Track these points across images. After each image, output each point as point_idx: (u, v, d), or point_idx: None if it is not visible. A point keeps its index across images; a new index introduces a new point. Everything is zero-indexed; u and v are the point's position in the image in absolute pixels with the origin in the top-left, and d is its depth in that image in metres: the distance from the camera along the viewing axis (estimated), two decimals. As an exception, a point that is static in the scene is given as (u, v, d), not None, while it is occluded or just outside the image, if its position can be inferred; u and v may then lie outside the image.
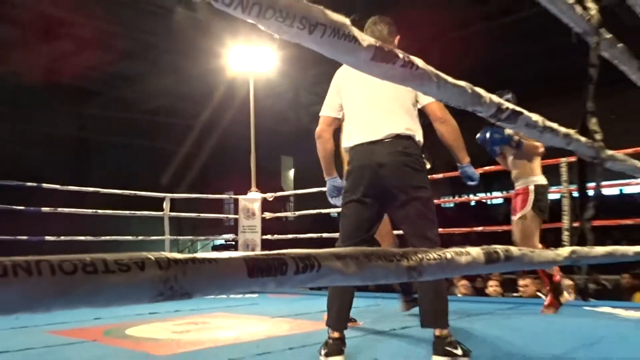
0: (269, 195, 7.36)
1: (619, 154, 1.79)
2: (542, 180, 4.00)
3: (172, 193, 7.69)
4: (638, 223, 5.40)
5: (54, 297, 0.49)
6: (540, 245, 3.87)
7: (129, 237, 6.88)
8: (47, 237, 5.76)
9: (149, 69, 17.66)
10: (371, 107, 2.54)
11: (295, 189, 19.87)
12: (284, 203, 19.39)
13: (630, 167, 1.87)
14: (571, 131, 1.40)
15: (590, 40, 1.51)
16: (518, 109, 1.20)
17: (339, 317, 2.47)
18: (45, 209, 5.84)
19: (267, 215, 7.22)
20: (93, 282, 0.51)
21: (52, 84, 16.60)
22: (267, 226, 7.37)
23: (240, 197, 7.17)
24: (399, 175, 2.45)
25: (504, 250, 1.07)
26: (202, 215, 7.92)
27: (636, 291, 6.85)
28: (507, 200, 4.70)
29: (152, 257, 0.57)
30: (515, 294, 5.80)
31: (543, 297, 4.54)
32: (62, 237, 5.84)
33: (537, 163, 4.02)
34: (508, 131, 3.86)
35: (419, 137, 2.54)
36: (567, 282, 5.71)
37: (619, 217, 5.78)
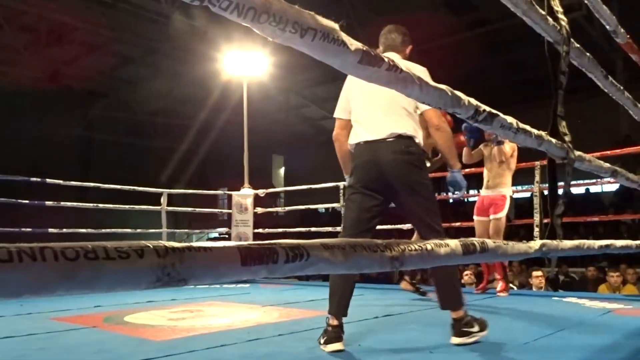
0: (261, 192, 7.36)
1: (587, 155, 1.81)
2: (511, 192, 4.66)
3: (171, 189, 7.66)
4: (602, 220, 5.47)
5: (57, 282, 0.48)
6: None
7: (128, 230, 6.85)
8: (50, 230, 5.71)
9: (149, 72, 17.58)
10: (375, 109, 2.54)
11: (285, 186, 19.88)
12: (275, 199, 19.34)
13: (596, 167, 1.89)
14: (543, 133, 1.41)
15: (561, 49, 1.52)
16: (494, 111, 1.21)
17: (340, 304, 2.45)
18: (49, 203, 5.78)
19: (259, 210, 7.20)
20: (94, 268, 0.51)
21: (59, 87, 16.47)
22: (259, 220, 7.36)
23: (233, 193, 7.15)
24: (401, 172, 2.46)
25: (480, 243, 1.07)
26: (197, 209, 7.88)
27: (601, 283, 6.94)
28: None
29: (151, 245, 0.56)
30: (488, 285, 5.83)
31: (514, 287, 4.75)
32: (65, 230, 5.79)
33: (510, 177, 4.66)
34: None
35: (419, 138, 2.55)
36: (537, 273, 5.77)
37: (585, 214, 5.85)
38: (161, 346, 2.42)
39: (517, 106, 11.18)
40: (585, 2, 1.93)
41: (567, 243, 1.49)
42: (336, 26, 0.79)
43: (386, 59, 0.89)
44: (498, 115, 1.22)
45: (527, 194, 5.22)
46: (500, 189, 4.59)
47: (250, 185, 7.35)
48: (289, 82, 17.89)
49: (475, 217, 4.78)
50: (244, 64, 8.17)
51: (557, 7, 1.55)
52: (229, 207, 7.24)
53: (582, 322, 2.65)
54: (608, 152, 5.11)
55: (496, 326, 2.52)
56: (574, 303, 3.97)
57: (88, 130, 20.02)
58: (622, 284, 6.53)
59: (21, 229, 5.43)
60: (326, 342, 2.34)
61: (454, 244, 1.00)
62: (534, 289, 5.66)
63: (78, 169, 18.15)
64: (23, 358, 2.25)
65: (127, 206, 6.61)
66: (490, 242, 1.11)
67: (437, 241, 0.96)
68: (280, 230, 7.80)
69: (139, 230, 6.70)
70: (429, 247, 0.92)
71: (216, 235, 17.81)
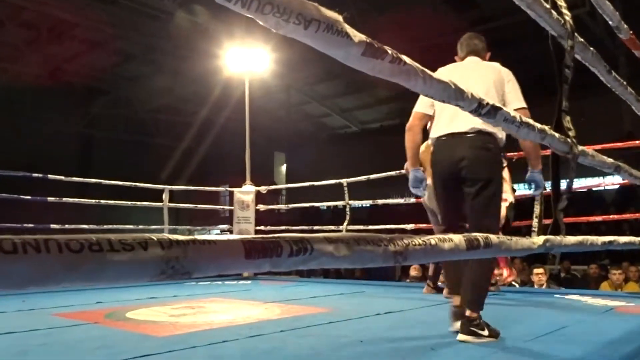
0: (263, 189, 7.35)
1: (590, 149, 1.80)
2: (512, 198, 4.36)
3: (172, 186, 7.66)
4: (605, 219, 5.45)
5: (61, 274, 0.48)
6: None
7: (130, 226, 6.86)
8: (52, 225, 5.72)
9: (151, 69, 17.58)
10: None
11: (287, 183, 19.87)
12: (277, 196, 19.38)
13: (599, 163, 1.88)
14: (546, 127, 1.41)
15: (565, 44, 1.52)
16: (497, 104, 1.20)
17: (458, 283, 2.55)
18: (50, 199, 5.78)
19: (261, 207, 7.20)
20: (98, 260, 0.50)
21: (60, 84, 16.47)
22: (260, 218, 7.35)
23: (235, 190, 7.14)
24: (476, 168, 2.49)
25: (484, 238, 1.07)
26: (199, 206, 7.88)
27: (603, 281, 6.94)
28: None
29: (155, 238, 0.56)
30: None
31: (517, 285, 4.75)
32: (67, 226, 5.80)
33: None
34: None
35: (501, 135, 2.55)
36: (538, 271, 5.77)
37: (587, 212, 5.85)
38: (163, 342, 2.43)
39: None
40: (589, -3, 1.93)
41: (571, 239, 1.49)
42: (340, 18, 0.78)
43: (390, 51, 0.88)
44: (501, 108, 1.21)
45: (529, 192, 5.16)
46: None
47: (252, 182, 7.34)
48: (291, 79, 17.90)
49: None
50: (246, 61, 8.16)
51: (561, 2, 1.54)
52: (231, 204, 7.24)
53: (584, 319, 2.65)
54: (608, 145, 5.04)
55: (497, 323, 2.52)
56: (576, 300, 3.96)
57: (89, 127, 20.03)
58: (624, 282, 6.53)
59: (23, 224, 5.44)
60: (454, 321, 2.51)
61: (458, 239, 1.00)
62: (535, 286, 5.65)
63: (79, 167, 18.15)
64: (25, 354, 2.25)
65: (129, 202, 6.61)
66: (494, 238, 1.10)
67: (441, 236, 0.96)
68: (282, 227, 7.79)
69: (140, 227, 6.71)
70: (432, 241, 0.92)
71: (217, 232, 17.85)
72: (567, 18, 1.51)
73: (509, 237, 1.19)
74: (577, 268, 8.88)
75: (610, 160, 1.92)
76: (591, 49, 1.72)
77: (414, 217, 5.62)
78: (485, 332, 2.40)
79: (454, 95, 1.05)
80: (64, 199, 5.90)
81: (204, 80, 15.84)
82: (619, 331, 2.58)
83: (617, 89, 2.18)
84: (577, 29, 1.59)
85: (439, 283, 4.83)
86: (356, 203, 6.99)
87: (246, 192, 7.07)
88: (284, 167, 24.24)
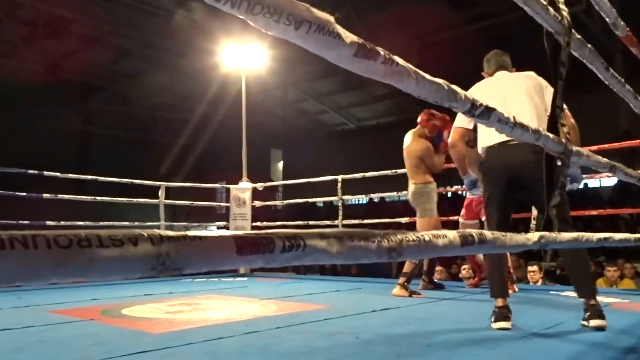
0: (259, 185, 7.35)
1: (584, 149, 1.81)
2: None
3: (169, 182, 7.65)
4: (601, 215, 5.47)
5: (50, 269, 0.48)
6: None
7: (126, 223, 6.84)
8: (48, 222, 5.70)
9: (147, 66, 17.55)
10: (511, 111, 2.62)
11: (283, 179, 19.86)
12: (273, 193, 19.34)
13: (594, 162, 1.88)
14: (540, 128, 1.41)
15: (562, 40, 1.51)
16: (491, 106, 1.20)
17: (503, 287, 2.70)
18: (46, 195, 5.76)
19: (257, 203, 7.20)
20: (87, 256, 0.50)
21: (57, 80, 16.43)
22: (257, 214, 7.35)
23: (232, 186, 7.14)
24: (538, 172, 2.53)
25: (478, 234, 1.07)
26: (195, 203, 7.87)
27: (598, 278, 6.96)
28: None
29: (145, 234, 0.56)
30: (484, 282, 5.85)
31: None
32: (62, 222, 5.78)
33: None
34: None
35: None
36: (532, 268, 5.78)
37: (583, 208, 5.85)
38: (159, 339, 2.42)
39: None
40: (586, -7, 1.93)
41: (566, 235, 1.49)
42: (331, 18, 0.78)
43: (382, 52, 0.88)
44: (495, 109, 1.21)
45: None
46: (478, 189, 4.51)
47: (249, 178, 7.34)
48: (288, 76, 17.88)
49: (461, 221, 4.63)
50: (243, 58, 8.14)
51: (559, -2, 1.54)
52: (227, 201, 7.23)
53: (579, 316, 2.66)
54: (606, 145, 5.08)
55: (493, 320, 2.53)
56: (571, 297, 3.96)
57: (86, 123, 20.00)
58: (619, 279, 6.55)
59: (18, 221, 5.42)
60: (495, 321, 2.58)
61: (452, 235, 1.00)
62: (530, 284, 5.67)
63: (76, 163, 18.14)
64: (20, 350, 2.24)
65: (125, 199, 6.59)
66: (488, 234, 1.10)
67: (435, 232, 0.96)
68: (278, 223, 7.80)
69: (136, 223, 6.70)
70: (427, 237, 0.92)
71: (214, 228, 17.83)
72: (565, 14, 1.51)
73: (503, 234, 1.19)
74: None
75: (605, 160, 1.92)
76: (589, 45, 1.72)
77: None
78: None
79: (447, 96, 1.04)
80: (60, 196, 5.88)
81: (201, 77, 15.82)
82: (616, 327, 2.58)
83: (615, 86, 2.18)
84: (573, 26, 1.59)
85: (435, 279, 4.84)
86: (353, 199, 7.00)
87: (243, 189, 7.07)
88: (280, 164, 24.24)
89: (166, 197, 6.60)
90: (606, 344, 2.30)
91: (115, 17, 13.89)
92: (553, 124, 1.56)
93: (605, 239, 1.93)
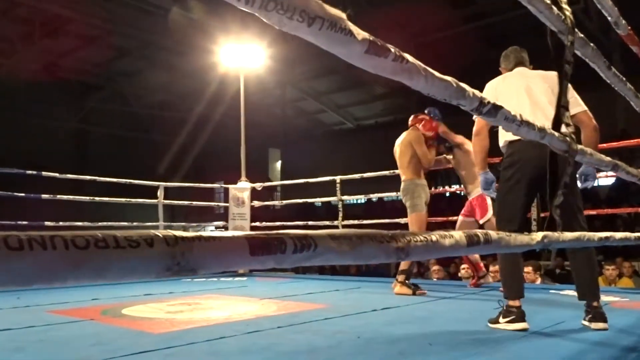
0: (258, 185, 7.34)
1: (587, 148, 1.81)
2: None
3: (167, 182, 7.64)
4: (599, 214, 5.48)
5: (68, 270, 0.48)
6: None
7: (124, 223, 6.84)
8: (47, 223, 5.69)
9: (145, 65, 17.51)
10: (534, 108, 2.63)
11: (281, 179, 19.86)
12: (272, 192, 19.33)
13: (597, 161, 1.89)
14: (545, 126, 1.41)
15: (566, 39, 1.52)
16: (498, 103, 1.21)
17: (519, 288, 2.68)
18: (45, 196, 5.74)
19: (256, 203, 7.19)
20: (104, 257, 0.50)
21: (55, 79, 16.40)
22: (256, 214, 7.34)
23: (230, 186, 7.13)
24: (562, 168, 2.54)
25: (484, 234, 1.07)
26: (194, 203, 7.85)
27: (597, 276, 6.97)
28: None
29: (160, 235, 0.56)
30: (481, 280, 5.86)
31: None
32: (61, 223, 5.77)
33: None
34: None
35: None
36: (526, 269, 5.80)
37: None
38: (160, 339, 2.42)
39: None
40: (587, -7, 1.93)
41: (568, 235, 1.50)
42: (343, 15, 0.78)
43: (392, 49, 0.88)
44: (502, 107, 1.21)
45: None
46: (476, 190, 4.44)
47: (247, 178, 7.33)
48: (286, 75, 17.86)
49: (461, 217, 4.70)
50: (241, 57, 8.14)
51: (561, -3, 1.54)
52: (226, 201, 7.22)
53: (579, 314, 2.66)
54: (605, 145, 5.09)
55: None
56: (571, 296, 3.97)
57: (84, 122, 19.96)
58: (618, 277, 6.56)
59: (17, 221, 5.41)
60: (513, 321, 2.58)
61: (458, 235, 1.00)
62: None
63: (74, 162, 18.09)
64: (21, 350, 2.24)
65: (123, 199, 6.58)
66: (493, 234, 1.11)
67: (441, 232, 0.96)
68: (277, 223, 7.79)
69: (135, 223, 6.69)
70: (434, 238, 0.92)
71: (212, 229, 17.82)
72: (568, 13, 1.51)
73: (507, 234, 1.20)
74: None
75: (608, 158, 1.92)
76: (591, 44, 1.72)
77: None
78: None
79: (455, 93, 1.04)
80: (59, 197, 5.87)
81: (199, 76, 15.80)
82: (616, 326, 2.59)
83: (616, 85, 2.18)
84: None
85: (434, 278, 4.82)
86: (351, 199, 7.00)
87: (242, 189, 7.06)
88: (279, 164, 24.22)
89: (165, 197, 6.59)
90: (607, 342, 2.31)
91: (113, 16, 13.86)
92: (557, 122, 1.56)
93: (607, 238, 1.94)
